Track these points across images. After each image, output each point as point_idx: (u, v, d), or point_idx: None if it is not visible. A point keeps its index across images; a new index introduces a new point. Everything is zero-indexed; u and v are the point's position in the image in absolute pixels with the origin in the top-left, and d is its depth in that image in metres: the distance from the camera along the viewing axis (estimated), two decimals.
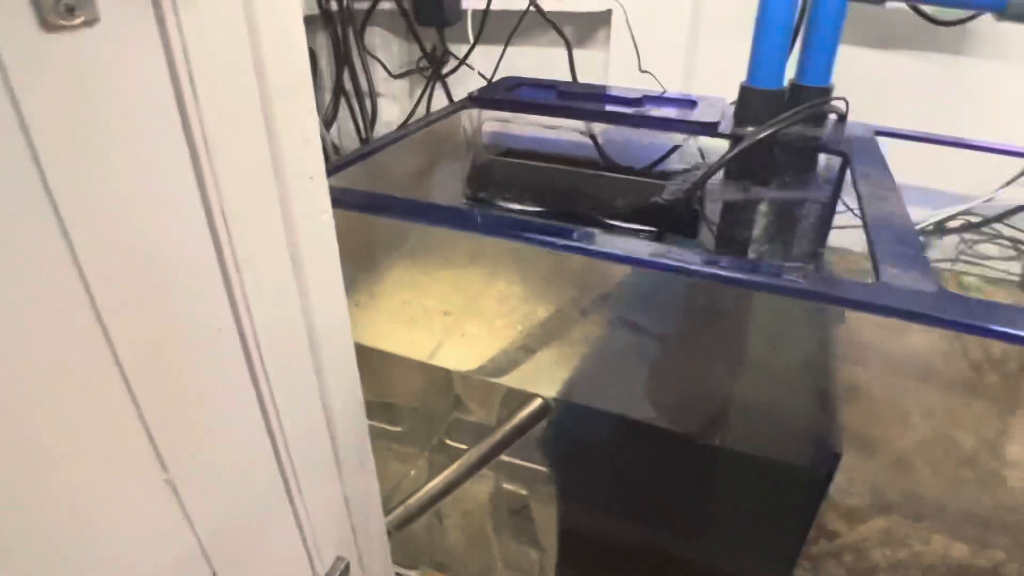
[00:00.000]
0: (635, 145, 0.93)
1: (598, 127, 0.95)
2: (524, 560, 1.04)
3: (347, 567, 0.54)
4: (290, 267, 0.41)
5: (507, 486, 1.03)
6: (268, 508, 0.44)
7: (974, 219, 0.94)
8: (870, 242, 0.46)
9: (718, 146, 0.85)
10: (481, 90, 0.89)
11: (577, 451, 0.58)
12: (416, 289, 0.61)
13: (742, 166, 0.73)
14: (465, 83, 1.22)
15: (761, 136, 0.67)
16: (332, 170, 0.61)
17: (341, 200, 0.55)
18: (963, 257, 0.93)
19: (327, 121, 1.14)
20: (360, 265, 0.62)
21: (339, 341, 0.48)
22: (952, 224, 0.95)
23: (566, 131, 0.94)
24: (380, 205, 0.54)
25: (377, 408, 0.93)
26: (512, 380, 0.59)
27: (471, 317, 0.59)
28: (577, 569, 0.68)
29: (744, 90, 0.76)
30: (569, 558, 0.67)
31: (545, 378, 0.57)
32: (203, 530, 0.38)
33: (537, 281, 0.59)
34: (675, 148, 0.83)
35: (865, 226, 0.49)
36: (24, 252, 0.26)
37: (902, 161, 0.72)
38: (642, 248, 0.46)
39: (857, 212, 0.86)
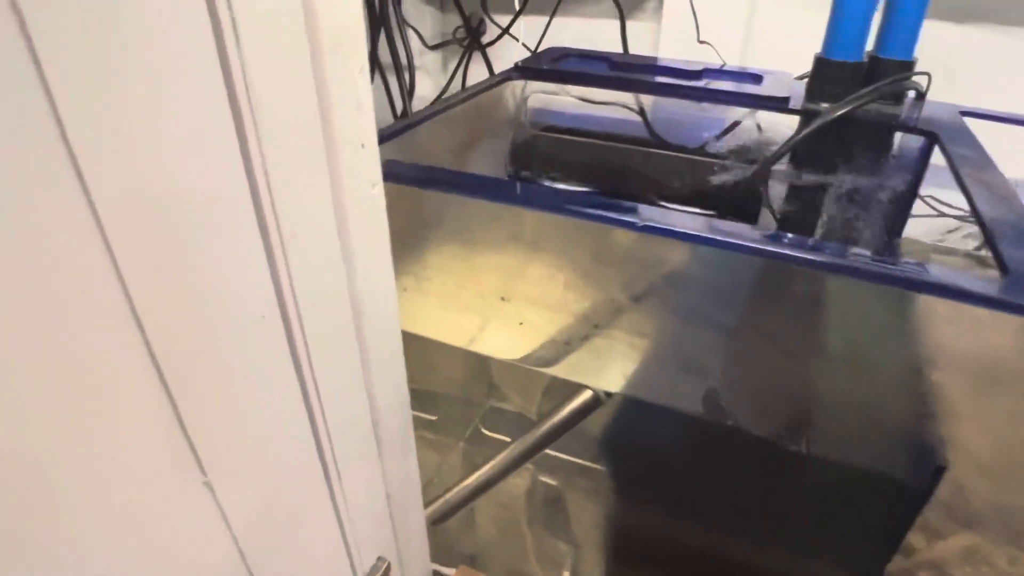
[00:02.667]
0: (687, 122, 0.88)
1: (647, 102, 0.90)
2: (557, 553, 1.01)
3: (388, 568, 0.51)
4: (337, 245, 0.37)
5: (542, 478, 0.99)
6: (308, 507, 0.40)
7: None
8: (989, 234, 0.41)
9: (776, 124, 0.79)
10: (527, 60, 0.84)
11: (640, 451, 0.54)
12: (466, 274, 0.57)
13: (812, 146, 0.67)
14: (502, 57, 1.16)
15: (841, 113, 0.61)
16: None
17: (388, 172, 0.51)
18: None
19: None
20: (406, 247, 0.58)
21: (386, 328, 0.43)
22: None
23: (614, 106, 0.89)
24: (435, 178, 0.49)
25: (414, 396, 0.89)
26: (571, 373, 0.54)
27: (530, 304, 0.54)
28: (628, 568, 0.64)
29: (820, 62, 0.70)
30: (624, 562, 0.63)
31: (607, 371, 0.53)
32: (241, 533, 0.34)
33: (598, 267, 0.54)
34: (735, 124, 0.77)
35: (977, 215, 0.44)
36: (54, 233, 0.22)
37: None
38: (746, 233, 0.41)
39: (929, 199, 0.80)
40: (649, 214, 0.45)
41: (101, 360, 0.25)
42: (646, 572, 0.63)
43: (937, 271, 0.37)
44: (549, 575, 0.97)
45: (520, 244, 0.56)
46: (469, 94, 0.71)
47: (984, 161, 0.55)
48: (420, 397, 0.90)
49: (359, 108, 0.37)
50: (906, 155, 0.67)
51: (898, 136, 0.70)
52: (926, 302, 0.40)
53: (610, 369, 0.52)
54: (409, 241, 0.56)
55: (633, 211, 0.44)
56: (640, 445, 0.55)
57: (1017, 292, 0.35)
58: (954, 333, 0.39)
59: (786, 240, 0.43)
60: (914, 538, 0.55)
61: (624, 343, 0.51)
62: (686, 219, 0.46)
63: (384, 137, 0.58)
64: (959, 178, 0.51)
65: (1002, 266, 0.38)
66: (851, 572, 0.51)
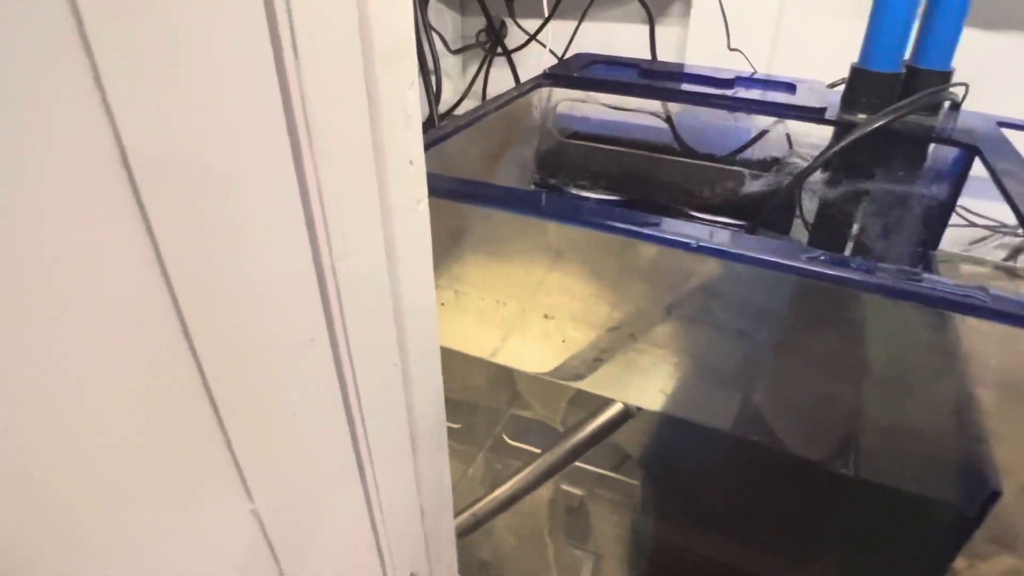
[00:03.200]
0: (715, 131, 0.86)
1: (676, 110, 0.89)
2: (577, 565, 1.00)
3: None
4: (384, 265, 0.36)
5: (564, 487, 0.98)
6: (348, 532, 0.39)
7: None
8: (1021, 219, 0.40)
9: (808, 134, 0.78)
10: (554, 67, 0.83)
11: (674, 469, 0.53)
12: (498, 286, 0.56)
13: (846, 157, 0.66)
14: (525, 63, 1.16)
15: (880, 124, 0.60)
16: None
17: (430, 186, 0.50)
18: None
19: None
20: (443, 261, 0.57)
21: (428, 345, 0.43)
22: None
23: (641, 114, 0.88)
24: (472, 192, 0.48)
25: None
26: (600, 387, 0.53)
27: (572, 322, 0.53)
28: None
29: (856, 72, 0.69)
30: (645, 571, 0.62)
31: (641, 386, 0.52)
32: (286, 558, 0.33)
33: (631, 280, 0.53)
34: (763, 133, 0.76)
35: (1013, 206, 0.43)
36: (112, 256, 0.22)
37: None
38: (787, 251, 0.40)
39: (960, 208, 0.79)
40: (688, 230, 0.44)
41: (150, 376, 0.24)
42: None
43: (994, 295, 0.36)
44: None
45: (550, 256, 0.55)
46: (502, 103, 0.70)
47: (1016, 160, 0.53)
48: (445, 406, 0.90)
49: (408, 123, 0.36)
50: (943, 167, 0.66)
51: (932, 147, 0.69)
52: (977, 323, 0.39)
53: (645, 385, 0.51)
54: (443, 254, 0.55)
55: (675, 228, 0.43)
56: (675, 463, 0.54)
57: None
58: (1006, 354, 0.38)
59: (831, 260, 0.42)
60: (957, 561, 0.54)
61: (659, 358, 0.50)
62: (728, 237, 0.45)
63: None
64: (1004, 189, 0.50)
65: None
66: None
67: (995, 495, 0.39)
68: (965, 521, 0.41)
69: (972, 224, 0.91)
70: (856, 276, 0.37)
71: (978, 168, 0.65)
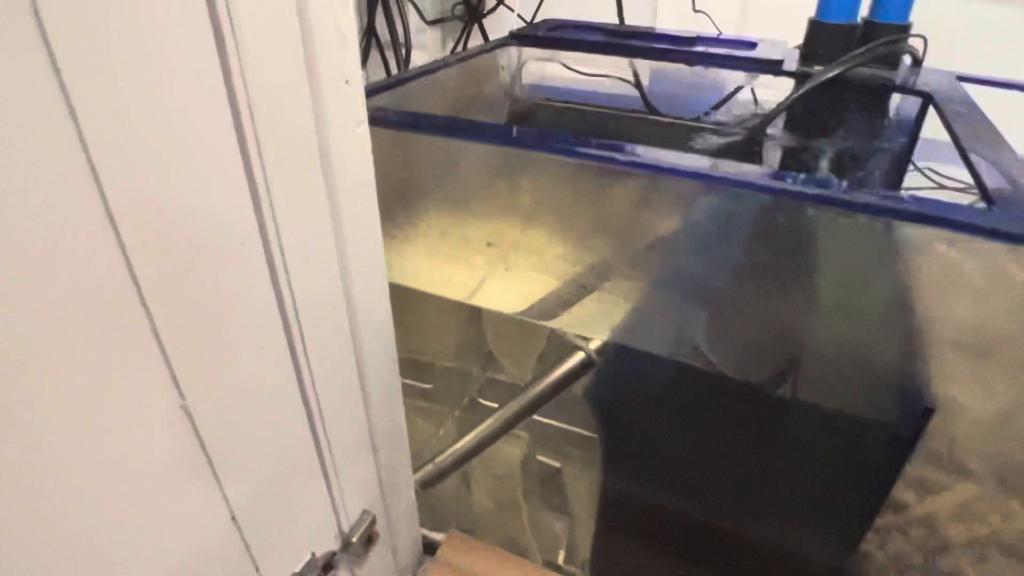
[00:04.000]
0: (685, 94, 0.87)
1: (645, 76, 0.89)
2: (552, 527, 1.01)
3: (373, 520, 0.51)
4: (322, 180, 0.37)
5: (540, 457, 0.99)
6: (290, 447, 0.40)
7: None
8: (975, 171, 0.41)
9: (776, 94, 0.79)
10: (521, 29, 0.84)
11: (625, 400, 0.54)
12: (455, 221, 0.57)
13: (807, 110, 0.67)
14: (501, 33, 1.16)
15: (833, 74, 0.61)
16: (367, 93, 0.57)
17: (377, 118, 0.51)
18: None
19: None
20: (396, 195, 0.57)
21: (372, 269, 0.43)
22: None
23: (611, 79, 0.88)
24: (421, 122, 0.49)
25: (408, 365, 0.90)
26: (556, 322, 0.54)
27: (515, 250, 0.54)
28: (618, 536, 0.64)
29: (813, 24, 0.70)
30: (608, 524, 0.63)
31: (591, 319, 0.52)
32: (219, 461, 0.34)
33: (585, 213, 0.54)
34: (734, 92, 0.77)
35: (965, 158, 0.44)
36: (34, 139, 0.22)
37: None
38: (703, 164, 0.41)
39: (926, 168, 0.80)
40: (638, 152, 0.45)
41: (77, 265, 0.25)
42: (634, 540, 0.63)
43: (921, 200, 0.37)
44: (544, 547, 0.97)
45: (511, 192, 0.56)
46: (461, 57, 0.71)
47: (976, 115, 0.54)
48: (415, 367, 0.91)
49: (343, 43, 0.37)
50: (902, 117, 0.67)
51: (895, 100, 0.69)
52: (910, 236, 0.40)
53: (598, 318, 0.52)
54: (397, 191, 0.56)
55: (623, 149, 0.44)
56: (626, 397, 0.55)
57: (1001, 219, 0.35)
58: (938, 267, 0.39)
59: (769, 174, 0.43)
60: (905, 494, 0.55)
61: (615, 292, 0.51)
62: (668, 156, 0.46)
63: (375, 90, 0.58)
64: (949, 128, 0.51)
65: (987, 197, 0.38)
66: (842, 526, 0.51)
67: (928, 412, 0.40)
68: (902, 440, 0.42)
69: (942, 187, 0.92)
70: (780, 185, 0.38)
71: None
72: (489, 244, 0.53)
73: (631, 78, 0.85)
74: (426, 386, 0.90)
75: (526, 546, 0.95)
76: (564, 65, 0.83)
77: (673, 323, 0.47)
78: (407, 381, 0.92)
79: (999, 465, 0.52)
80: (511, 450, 0.88)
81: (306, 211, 0.36)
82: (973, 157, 0.42)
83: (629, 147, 0.47)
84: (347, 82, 0.38)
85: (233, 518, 0.37)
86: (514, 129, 0.50)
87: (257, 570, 0.41)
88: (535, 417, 0.89)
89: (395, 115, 0.50)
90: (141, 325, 0.28)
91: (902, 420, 0.41)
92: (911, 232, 0.38)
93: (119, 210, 0.26)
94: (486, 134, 0.49)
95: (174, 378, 0.31)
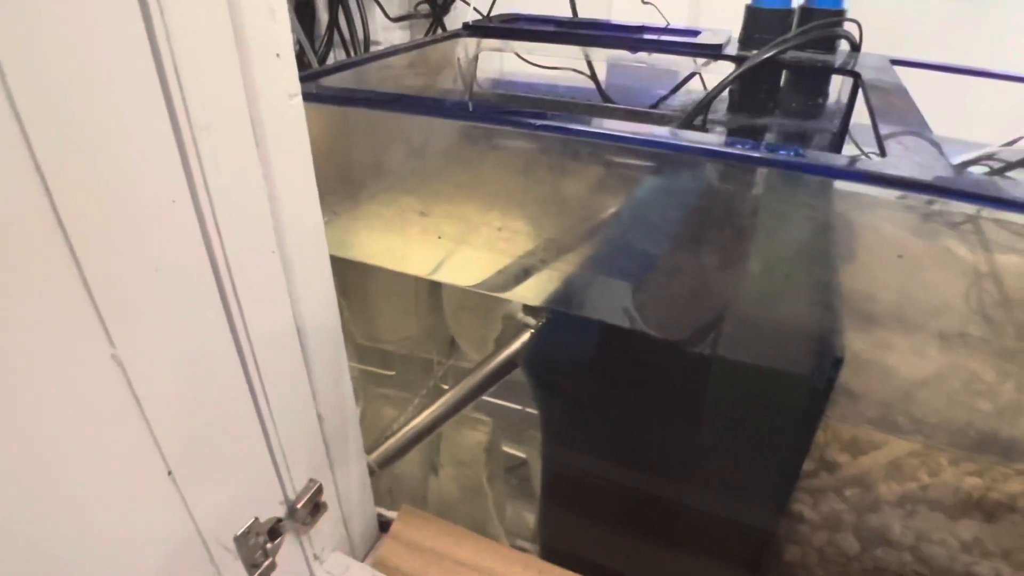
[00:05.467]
0: (639, 85, 0.90)
1: (601, 68, 0.92)
2: (521, 514, 1.02)
3: (320, 489, 0.52)
4: (253, 147, 0.39)
5: (507, 449, 1.01)
6: (227, 404, 0.41)
7: (996, 165, 0.90)
8: (877, 130, 0.43)
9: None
10: (476, 21, 0.86)
11: (559, 366, 0.55)
12: (400, 196, 0.58)
13: (748, 93, 0.70)
14: None
15: (766, 56, 0.64)
16: (313, 75, 0.59)
17: (324, 95, 0.53)
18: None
19: (320, 62, 1.11)
20: (339, 172, 0.59)
21: (310, 239, 0.45)
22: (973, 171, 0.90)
23: (567, 71, 0.91)
24: (366, 98, 0.51)
25: (370, 353, 0.91)
26: (492, 288, 0.56)
27: (450, 219, 0.56)
28: (560, 507, 0.65)
29: (750, 10, 0.73)
30: (550, 495, 0.64)
31: (526, 286, 0.54)
32: (153, 413, 0.35)
33: (520, 186, 0.56)
34: (686, 80, 0.79)
35: (872, 118, 0.46)
36: None
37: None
38: (625, 127, 0.43)
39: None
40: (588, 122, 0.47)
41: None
42: (575, 511, 0.64)
43: (817, 153, 0.39)
44: (513, 533, 0.99)
45: (444, 164, 0.58)
46: (414, 44, 0.73)
47: (895, 90, 0.57)
48: (379, 355, 0.92)
49: (272, 16, 0.39)
50: (838, 98, 0.69)
51: (835, 83, 0.72)
52: (814, 190, 0.42)
53: (538, 284, 0.53)
54: (339, 167, 0.58)
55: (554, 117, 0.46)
56: (560, 363, 0.56)
57: (887, 166, 0.37)
58: (843, 219, 0.41)
59: (682, 134, 0.45)
60: (840, 455, 0.57)
61: (547, 257, 0.52)
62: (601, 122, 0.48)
63: (324, 72, 0.60)
64: (868, 102, 0.53)
65: (882, 150, 0.40)
66: (771, 485, 0.53)
67: (838, 361, 0.42)
68: (816, 393, 0.44)
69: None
70: (688, 143, 0.40)
71: None
72: (422, 214, 0.55)
73: (586, 69, 0.87)
74: (389, 373, 0.92)
75: (494, 532, 0.97)
76: (518, 56, 0.86)
77: (604, 288, 0.49)
78: (370, 368, 0.94)
79: (928, 424, 0.54)
80: (475, 436, 0.90)
81: (237, 174, 0.38)
82: (879, 120, 0.45)
83: (580, 118, 0.48)
84: (278, 55, 0.39)
85: (170, 473, 0.38)
86: (449, 102, 0.52)
87: (197, 529, 0.42)
88: (499, 402, 0.91)
89: (338, 91, 0.52)
90: (70, 273, 0.30)
91: (816, 372, 0.43)
92: (823, 192, 0.40)
93: (46, 162, 0.27)
94: (430, 108, 0.51)
95: (104, 326, 0.32)
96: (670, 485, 0.58)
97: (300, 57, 0.77)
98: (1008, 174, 0.88)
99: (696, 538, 0.59)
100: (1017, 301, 0.59)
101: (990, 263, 0.61)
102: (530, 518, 1.00)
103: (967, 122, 0.88)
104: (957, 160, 0.89)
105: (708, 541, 0.60)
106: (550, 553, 0.69)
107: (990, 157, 0.91)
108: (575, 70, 0.88)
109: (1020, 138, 0.87)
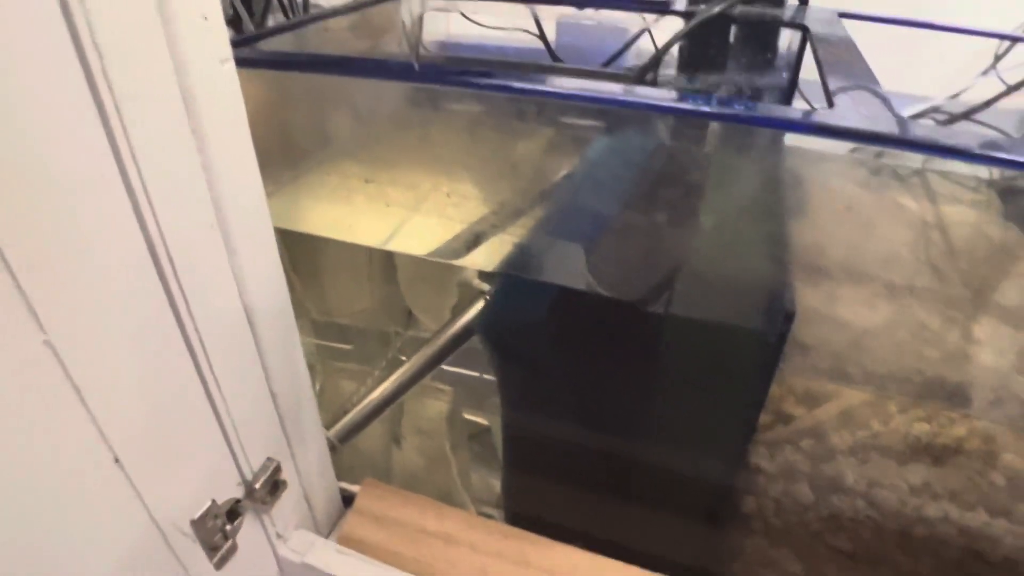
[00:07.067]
0: (588, 44, 0.89)
1: (550, 29, 0.90)
2: (486, 481, 1.03)
3: (278, 467, 0.51)
4: (184, 117, 0.37)
5: (468, 416, 1.01)
6: (174, 385, 0.40)
7: (941, 117, 0.92)
8: (825, 84, 0.43)
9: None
10: None
11: (515, 330, 0.55)
12: (345, 163, 0.57)
13: (697, 49, 0.69)
14: None
15: (716, 10, 0.63)
16: (249, 39, 0.56)
17: (261, 60, 0.50)
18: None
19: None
20: (281, 140, 0.57)
21: (253, 213, 0.43)
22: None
23: (515, 32, 0.89)
24: (305, 61, 0.49)
25: (326, 327, 0.90)
26: (445, 255, 0.55)
27: (397, 186, 0.55)
28: (523, 471, 0.66)
29: None
30: (513, 459, 0.65)
31: (479, 252, 0.53)
32: (93, 399, 0.34)
33: (469, 150, 0.55)
34: (636, 37, 0.78)
35: (820, 71, 0.46)
36: None
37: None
38: (574, 85, 0.42)
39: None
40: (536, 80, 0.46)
41: None
42: (538, 474, 0.65)
43: (768, 106, 0.39)
44: (479, 499, 0.99)
45: (388, 129, 0.56)
46: (356, 5, 0.70)
47: (842, 42, 0.57)
48: (336, 329, 0.91)
49: None
50: (788, 51, 0.69)
51: (784, 37, 0.72)
52: (764, 145, 0.42)
53: (489, 249, 0.53)
54: (281, 137, 0.56)
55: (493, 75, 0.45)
56: (516, 327, 0.56)
57: (838, 118, 0.37)
58: (793, 175, 0.41)
59: (632, 90, 0.45)
60: (792, 407, 0.58)
61: (497, 221, 0.52)
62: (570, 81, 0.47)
63: (259, 36, 0.57)
64: (815, 54, 0.53)
65: (830, 104, 0.40)
66: (728, 439, 0.54)
67: (790, 316, 0.43)
68: (770, 347, 0.44)
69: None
70: (634, 98, 0.40)
71: None
72: (367, 181, 0.53)
73: (534, 29, 0.86)
74: (346, 347, 0.90)
75: (459, 500, 0.97)
76: (464, 16, 0.84)
77: (558, 251, 0.48)
78: (327, 343, 0.93)
79: (878, 373, 0.56)
80: (436, 405, 0.89)
81: (168, 147, 0.36)
82: (827, 74, 0.45)
83: (529, 76, 0.47)
84: (205, 18, 0.37)
85: (117, 460, 0.37)
86: (393, 62, 0.51)
87: (151, 516, 0.41)
88: (459, 370, 0.91)
89: (275, 55, 0.50)
90: None
91: (768, 325, 0.43)
92: (773, 147, 0.40)
93: None
94: (374, 70, 0.49)
95: (33, 311, 0.30)
96: (630, 444, 0.58)
97: (236, 21, 0.74)
98: (953, 126, 0.90)
99: (657, 494, 0.60)
100: (961, 250, 0.60)
101: (935, 214, 0.63)
102: (495, 484, 1.01)
103: (915, 75, 0.89)
104: (905, 113, 0.90)
105: (669, 496, 0.61)
106: (516, 518, 0.70)
107: (936, 110, 0.92)
108: (524, 30, 0.86)
109: (965, 90, 0.89)
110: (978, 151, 0.36)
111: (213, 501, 0.45)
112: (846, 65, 0.48)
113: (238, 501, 0.48)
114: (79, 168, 0.31)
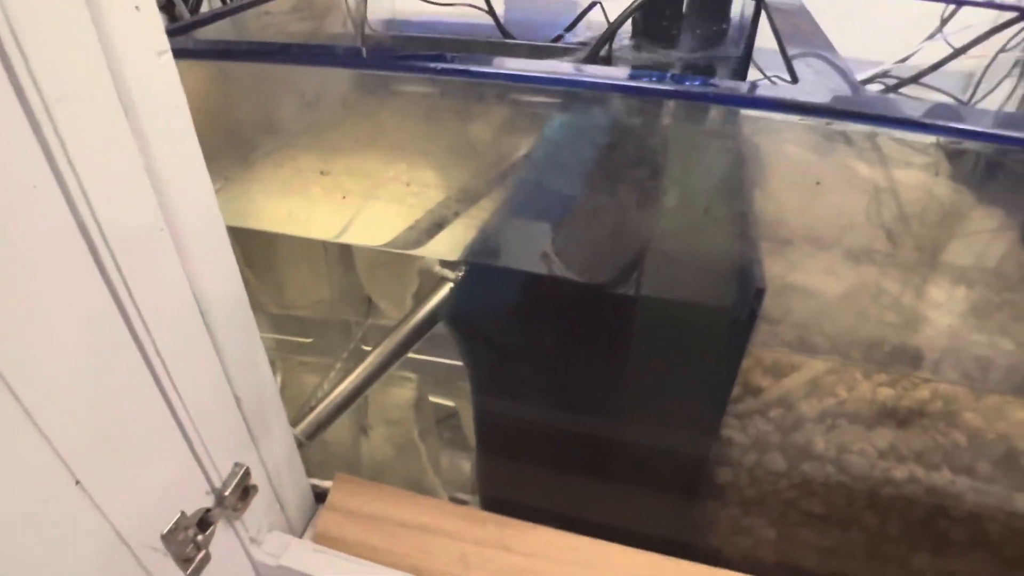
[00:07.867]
0: (539, 18, 0.87)
1: (499, 2, 0.88)
2: (458, 464, 1.02)
3: (247, 472, 0.49)
4: (122, 114, 0.34)
5: (435, 399, 1.00)
6: (130, 400, 0.38)
7: (890, 82, 0.93)
8: (785, 55, 0.43)
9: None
10: None
11: (483, 317, 0.54)
12: (296, 154, 0.55)
13: (651, 21, 0.68)
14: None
15: None
16: (184, 27, 0.53)
17: (199, 50, 0.48)
18: None
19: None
20: (227, 133, 0.55)
21: (202, 209, 0.41)
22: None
23: (462, 7, 0.87)
24: (247, 50, 0.46)
25: (284, 321, 0.87)
26: (404, 245, 0.54)
27: (352, 175, 0.53)
28: (497, 456, 0.65)
29: None
30: (486, 445, 0.64)
31: (440, 240, 0.52)
32: (44, 421, 0.32)
33: (424, 135, 0.53)
34: (587, 10, 0.77)
35: (779, 41, 0.46)
36: None
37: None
38: (529, 67, 0.41)
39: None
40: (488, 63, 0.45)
41: None
42: (512, 458, 0.65)
43: (732, 83, 0.38)
44: (451, 483, 0.99)
45: (338, 118, 0.55)
46: None
47: (800, 12, 0.57)
48: (293, 322, 0.88)
49: None
50: (743, 22, 0.69)
51: (737, 5, 0.71)
52: (724, 119, 0.42)
53: (454, 238, 0.52)
54: (227, 130, 0.53)
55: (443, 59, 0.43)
56: (483, 314, 0.55)
57: (800, 93, 0.37)
58: (752, 146, 0.41)
59: (587, 69, 0.44)
60: (764, 379, 0.59)
61: (460, 209, 0.51)
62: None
63: (195, 24, 0.54)
64: (772, 25, 0.53)
65: (794, 77, 0.40)
66: (701, 414, 0.54)
67: (760, 292, 0.43)
68: (740, 323, 0.44)
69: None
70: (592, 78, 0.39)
71: None
72: (323, 173, 0.51)
73: (482, 4, 0.84)
74: (306, 340, 0.88)
75: (431, 485, 0.96)
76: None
77: (522, 235, 0.47)
78: (287, 337, 0.91)
79: (842, 341, 0.56)
80: (402, 393, 0.88)
81: (107, 148, 0.34)
82: (786, 44, 0.44)
83: (482, 58, 0.46)
84: (137, 8, 0.35)
85: (78, 482, 0.35)
86: (340, 48, 0.49)
87: (120, 537, 0.39)
88: (423, 357, 0.89)
89: (215, 44, 0.47)
90: None
91: (738, 302, 0.43)
92: (732, 121, 0.40)
93: None
94: (320, 57, 0.47)
95: None
96: (603, 424, 0.58)
97: (169, 7, 0.70)
98: (901, 90, 0.91)
99: (633, 471, 0.60)
100: (913, 214, 0.61)
101: (888, 178, 0.64)
102: (466, 467, 1.01)
103: (863, 40, 0.90)
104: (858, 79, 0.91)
105: (644, 473, 0.61)
106: (491, 502, 0.70)
107: (885, 74, 0.94)
108: (471, 5, 0.84)
109: (913, 54, 0.90)
110: (957, 126, 0.36)
111: (182, 513, 0.44)
112: (804, 35, 0.48)
113: (208, 510, 0.46)
114: (9, 179, 0.29)
